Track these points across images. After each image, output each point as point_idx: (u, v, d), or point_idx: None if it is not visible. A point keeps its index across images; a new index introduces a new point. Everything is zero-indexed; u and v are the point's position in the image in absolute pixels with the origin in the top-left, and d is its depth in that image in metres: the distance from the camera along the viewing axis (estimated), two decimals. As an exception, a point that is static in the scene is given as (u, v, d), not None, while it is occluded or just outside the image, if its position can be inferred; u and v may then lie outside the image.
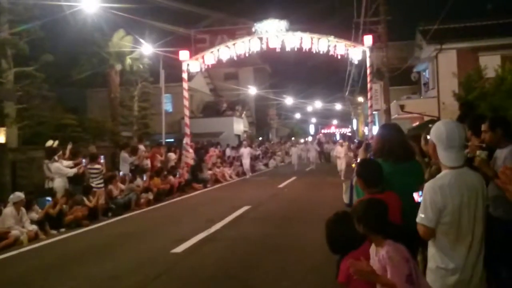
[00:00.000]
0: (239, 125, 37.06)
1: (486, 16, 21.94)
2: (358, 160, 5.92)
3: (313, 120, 71.12)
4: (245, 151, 23.79)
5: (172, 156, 18.39)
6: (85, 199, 11.23)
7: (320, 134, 52.64)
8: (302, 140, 45.16)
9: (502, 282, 4.15)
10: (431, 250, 2.89)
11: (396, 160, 3.76)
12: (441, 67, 20.41)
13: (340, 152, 18.23)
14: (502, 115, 5.49)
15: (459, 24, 20.89)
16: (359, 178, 3.68)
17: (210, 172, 19.98)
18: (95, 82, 25.77)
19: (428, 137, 3.12)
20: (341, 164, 17.00)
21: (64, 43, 21.54)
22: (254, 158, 28.96)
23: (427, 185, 2.86)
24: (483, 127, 4.29)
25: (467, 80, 13.57)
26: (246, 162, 23.54)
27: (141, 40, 22.03)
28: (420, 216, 2.81)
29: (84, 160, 11.99)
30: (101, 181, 12.10)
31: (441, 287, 2.81)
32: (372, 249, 2.88)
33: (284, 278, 6.04)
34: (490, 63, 13.79)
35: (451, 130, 2.82)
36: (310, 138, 50.55)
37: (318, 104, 55.88)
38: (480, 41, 19.63)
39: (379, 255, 2.70)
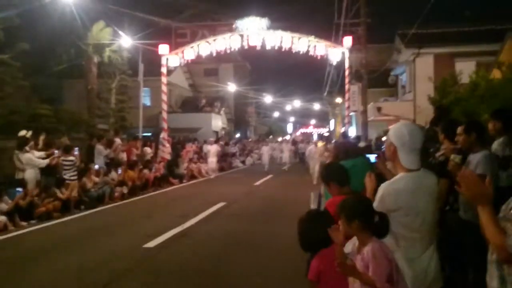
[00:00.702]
0: (218, 122, 36.98)
1: (463, 23, 22.38)
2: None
3: (292, 119, 71.45)
4: (212, 149, 21.81)
5: (148, 150, 18.23)
6: (57, 191, 11.06)
7: (295, 134, 51.41)
8: (280, 139, 45.00)
9: (469, 283, 4.25)
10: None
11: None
12: (418, 71, 20.74)
13: (314, 152, 17.83)
14: (477, 120, 5.59)
15: (437, 30, 21.27)
16: (332, 182, 3.73)
17: (186, 167, 19.88)
18: (73, 73, 25.41)
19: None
20: (313, 166, 16.63)
21: (41, 32, 21.17)
22: (231, 155, 28.97)
23: (383, 186, 2.91)
24: (459, 129, 4.37)
25: (442, 85, 13.81)
26: (212, 160, 21.53)
27: (121, 33, 21.77)
28: (375, 202, 2.93)
29: (56, 152, 11.78)
30: (75, 173, 11.94)
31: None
32: (351, 246, 2.86)
33: (257, 274, 6.06)
34: (466, 69, 14.08)
35: (413, 133, 2.87)
36: (288, 137, 50.32)
37: (296, 103, 56.16)
38: (457, 47, 20.05)
39: (362, 253, 2.70)
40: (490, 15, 25.80)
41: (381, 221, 2.79)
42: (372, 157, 5.13)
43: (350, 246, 2.84)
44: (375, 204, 2.93)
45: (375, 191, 3.12)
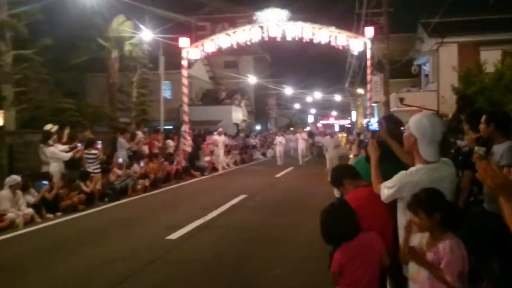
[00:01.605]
0: (238, 114, 37.02)
1: (487, 11, 21.83)
2: (351, 156, 5.92)
3: (313, 110, 71.04)
4: (219, 140, 19.93)
5: (171, 143, 18.38)
6: (82, 184, 11.25)
7: (312, 125, 46.18)
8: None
9: (493, 273, 4.19)
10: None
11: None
12: (442, 60, 20.38)
13: (328, 143, 16.75)
14: (501, 110, 5.49)
15: (461, 18, 20.84)
16: (345, 179, 3.66)
17: (207, 159, 19.98)
18: (94, 67, 25.78)
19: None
20: (330, 161, 15.80)
21: (63, 27, 21.46)
22: (251, 148, 29.00)
23: (399, 176, 2.88)
24: (482, 119, 4.31)
25: (467, 74, 13.54)
26: (220, 153, 19.83)
27: (141, 26, 21.93)
28: (386, 185, 2.95)
29: (80, 145, 11.97)
30: (98, 166, 12.12)
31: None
32: (418, 239, 2.76)
33: (277, 267, 6.07)
34: (491, 58, 13.76)
35: (434, 125, 2.82)
36: (308, 129, 49.56)
37: (317, 94, 55.81)
38: (481, 35, 19.62)
39: (438, 247, 2.62)
40: (516, 2, 25.08)
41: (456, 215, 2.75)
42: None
43: (417, 239, 2.77)
44: (389, 191, 2.92)
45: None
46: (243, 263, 6.30)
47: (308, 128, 40.12)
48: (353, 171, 3.68)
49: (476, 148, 3.79)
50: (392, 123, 3.91)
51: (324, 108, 69.12)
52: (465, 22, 20.66)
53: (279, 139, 24.89)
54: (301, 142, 24.14)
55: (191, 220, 9.02)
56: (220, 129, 20.95)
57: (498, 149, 4.08)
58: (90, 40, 22.79)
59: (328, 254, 3.47)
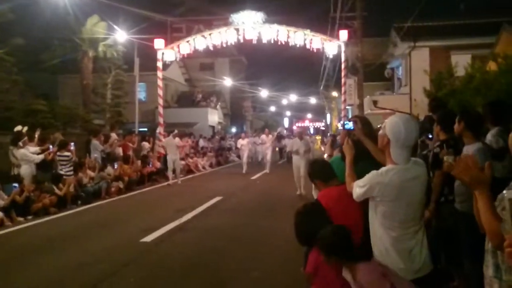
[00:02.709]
0: (214, 116, 36.93)
1: (459, 16, 22.39)
2: (325, 156, 5.96)
3: (288, 113, 71.40)
4: (173, 143, 16.60)
5: (146, 145, 18.22)
6: (54, 187, 11.04)
7: (281, 128, 39.87)
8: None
9: (464, 273, 4.28)
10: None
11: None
12: (414, 64, 20.75)
13: (298, 146, 12.91)
14: (474, 110, 5.63)
15: (433, 23, 21.31)
16: (317, 179, 3.72)
17: (182, 162, 19.86)
18: (67, 68, 25.36)
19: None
20: (298, 168, 12.69)
21: (35, 27, 21.10)
22: (227, 150, 28.93)
23: (370, 176, 2.92)
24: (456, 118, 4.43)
25: (438, 78, 13.80)
26: (174, 159, 16.14)
27: (115, 27, 21.67)
28: (358, 184, 2.98)
29: (51, 147, 11.75)
30: (71, 168, 11.91)
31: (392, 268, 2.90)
32: (347, 273, 2.88)
33: (254, 269, 6.07)
34: (461, 62, 14.06)
35: (410, 130, 2.86)
36: (284, 132, 49.42)
37: (293, 97, 56.10)
38: (452, 40, 20.06)
39: (357, 281, 2.71)
40: (485, 8, 25.81)
41: (364, 245, 2.81)
42: None
43: (348, 276, 2.86)
44: (360, 190, 2.95)
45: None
46: (219, 265, 6.29)
47: (279, 130, 36.07)
48: (326, 173, 3.69)
49: (445, 157, 3.88)
50: (366, 123, 3.97)
51: (299, 111, 69.51)
52: (436, 27, 21.12)
53: (243, 143, 21.66)
54: (267, 146, 21.63)
55: (166, 222, 8.96)
56: (175, 131, 17.74)
57: (468, 151, 4.17)
58: (63, 41, 22.43)
59: (304, 254, 3.49)
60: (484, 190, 1.89)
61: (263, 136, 23.76)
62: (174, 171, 16.22)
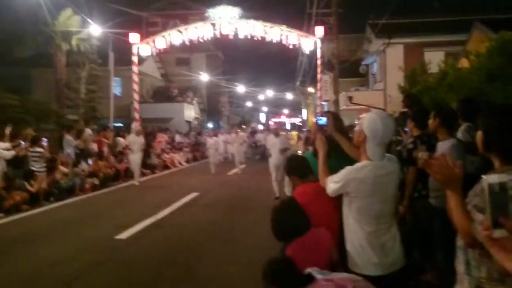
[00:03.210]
0: (190, 112, 36.70)
1: (432, 13, 22.75)
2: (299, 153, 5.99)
3: (265, 108, 71.49)
4: (136, 141, 14.99)
5: (121, 140, 17.98)
6: (26, 183, 10.81)
7: (255, 124, 36.70)
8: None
9: (438, 267, 4.37)
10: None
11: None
12: (389, 60, 21.02)
13: (273, 144, 11.70)
14: (448, 106, 5.75)
15: (407, 20, 21.58)
16: (293, 175, 3.74)
17: (159, 157, 19.71)
18: (40, 62, 24.80)
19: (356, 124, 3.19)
20: (275, 169, 11.36)
21: (6, 19, 20.47)
22: (204, 145, 28.73)
23: (345, 172, 2.95)
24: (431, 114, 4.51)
25: (412, 74, 14.03)
26: (135, 158, 14.81)
27: (90, 21, 21.28)
28: (333, 179, 3.00)
29: (23, 143, 11.48)
30: (44, 164, 11.68)
31: (366, 263, 2.95)
32: None
33: (230, 265, 6.08)
34: (434, 58, 14.31)
35: (387, 127, 2.89)
36: (261, 127, 49.58)
37: (269, 92, 56.15)
38: (426, 37, 20.38)
39: None
40: (458, 6, 26.33)
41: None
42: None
43: None
44: (335, 186, 2.97)
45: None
46: (195, 262, 6.26)
47: (253, 125, 33.56)
48: (303, 169, 3.70)
49: (420, 154, 3.94)
50: (338, 119, 4.01)
51: (276, 106, 69.64)
52: (410, 24, 21.41)
53: (211, 142, 20.08)
54: (238, 144, 19.31)
55: (142, 219, 8.88)
56: (138, 128, 16.03)
57: (442, 147, 4.24)
58: (35, 34, 21.90)
59: (280, 250, 3.50)
60: (456, 189, 1.92)
61: (232, 135, 21.19)
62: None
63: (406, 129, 5.74)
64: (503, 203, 1.22)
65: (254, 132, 28.64)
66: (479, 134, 1.99)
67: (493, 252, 1.20)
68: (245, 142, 21.58)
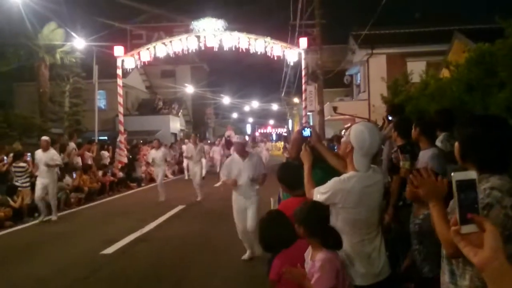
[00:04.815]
0: (176, 124, 36.60)
1: (414, 24, 23.12)
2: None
3: (250, 119, 71.67)
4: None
5: (106, 154, 17.85)
6: (9, 199, 10.66)
7: (230, 131, 29.51)
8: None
9: (423, 277, 4.39)
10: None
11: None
12: (372, 71, 21.26)
13: (238, 172, 7.58)
14: (429, 116, 5.87)
15: (389, 31, 21.88)
16: (282, 183, 3.77)
17: (144, 171, 19.58)
18: (23, 75, 24.58)
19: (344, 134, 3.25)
20: (243, 215, 7.45)
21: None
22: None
23: (332, 182, 2.97)
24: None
25: (394, 84, 14.17)
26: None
27: (73, 34, 21.21)
28: (320, 191, 3.01)
29: (6, 158, 11.34)
30: (27, 180, 11.53)
31: (353, 273, 2.97)
32: (308, 251, 2.94)
33: (216, 277, 6.06)
34: (416, 69, 14.50)
35: (374, 139, 2.94)
36: (247, 138, 49.09)
37: (255, 104, 56.37)
38: (408, 47, 20.67)
39: (314, 260, 2.76)
40: (439, 17, 26.82)
41: (335, 235, 2.86)
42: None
43: (309, 255, 2.93)
44: (322, 197, 3.00)
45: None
46: (181, 275, 6.23)
47: (227, 133, 28.24)
48: (295, 181, 3.69)
49: (402, 163, 4.00)
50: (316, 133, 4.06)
51: (261, 117, 69.94)
52: (393, 34, 21.72)
53: (154, 155, 14.94)
54: (195, 161, 15.30)
55: (128, 233, 8.80)
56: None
57: (423, 156, 4.30)
58: (18, 48, 21.73)
59: (267, 261, 3.51)
60: (437, 201, 1.95)
61: (190, 146, 16.24)
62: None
63: (390, 118, 6.30)
64: (471, 199, 1.26)
65: (228, 142, 23.40)
66: (456, 144, 2.04)
67: (461, 246, 1.24)
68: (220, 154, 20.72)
